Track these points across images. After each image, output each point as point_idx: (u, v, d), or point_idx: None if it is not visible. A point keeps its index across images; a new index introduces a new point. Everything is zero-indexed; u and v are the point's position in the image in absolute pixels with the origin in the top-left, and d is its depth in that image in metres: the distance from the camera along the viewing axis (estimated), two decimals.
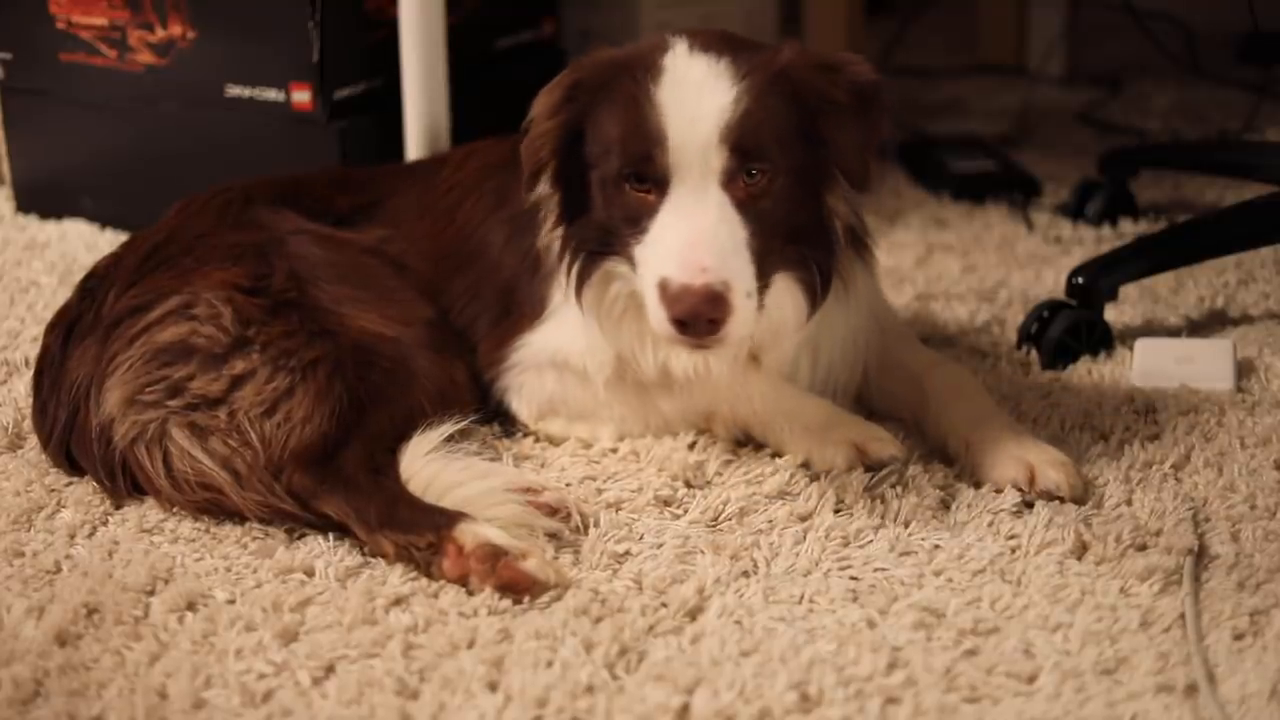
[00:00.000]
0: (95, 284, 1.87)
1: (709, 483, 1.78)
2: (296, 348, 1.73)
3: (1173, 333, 2.23)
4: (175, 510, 1.70)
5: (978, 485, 1.76)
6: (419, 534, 1.58)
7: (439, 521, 1.59)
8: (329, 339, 1.76)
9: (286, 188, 2.04)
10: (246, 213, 1.95)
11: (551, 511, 1.66)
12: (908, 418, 1.90)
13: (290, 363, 1.72)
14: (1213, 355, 2.05)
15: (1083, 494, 1.72)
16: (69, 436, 1.77)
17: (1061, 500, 1.70)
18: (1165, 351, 2.06)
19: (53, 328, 1.86)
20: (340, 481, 1.66)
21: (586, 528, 1.67)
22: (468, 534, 1.57)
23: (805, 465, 1.78)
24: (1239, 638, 1.46)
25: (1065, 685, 1.39)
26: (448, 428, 1.75)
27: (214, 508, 1.69)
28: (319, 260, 1.87)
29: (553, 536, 1.64)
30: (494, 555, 1.54)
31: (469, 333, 1.93)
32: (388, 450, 1.72)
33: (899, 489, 1.73)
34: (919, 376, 1.89)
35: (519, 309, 1.90)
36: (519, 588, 1.53)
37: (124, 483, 1.72)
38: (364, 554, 1.62)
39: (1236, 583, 1.55)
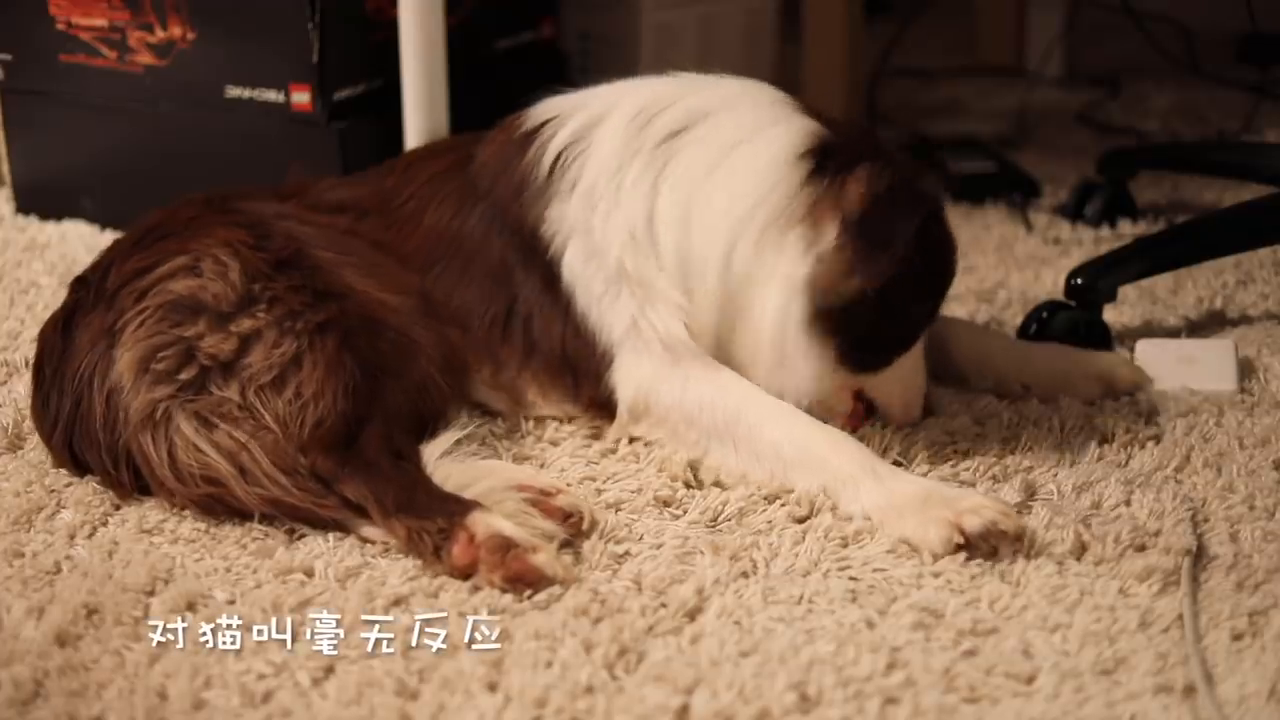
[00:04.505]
0: (88, 274, 1.87)
1: (708, 484, 1.78)
2: (303, 308, 1.73)
3: (1172, 333, 2.23)
4: (176, 506, 1.70)
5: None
6: (431, 519, 1.59)
7: (453, 509, 1.60)
8: (334, 302, 1.75)
9: (265, 192, 2.04)
10: (229, 203, 1.95)
11: (565, 516, 1.65)
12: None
13: (297, 325, 1.72)
14: (1215, 356, 2.05)
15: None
16: (72, 428, 1.76)
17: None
18: (1167, 352, 2.06)
19: (50, 325, 1.85)
20: (362, 465, 1.66)
21: (590, 529, 1.67)
22: (480, 523, 1.57)
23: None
24: (1237, 638, 1.47)
25: (1064, 686, 1.39)
26: (457, 433, 1.77)
27: (215, 503, 1.68)
28: (309, 233, 1.88)
29: (552, 536, 1.64)
30: (505, 547, 1.55)
31: (460, 320, 1.91)
32: (406, 431, 1.72)
33: None
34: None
35: (571, 359, 1.88)
36: (527, 581, 1.53)
37: (128, 475, 1.72)
38: (364, 554, 1.62)
39: (1235, 583, 1.55)
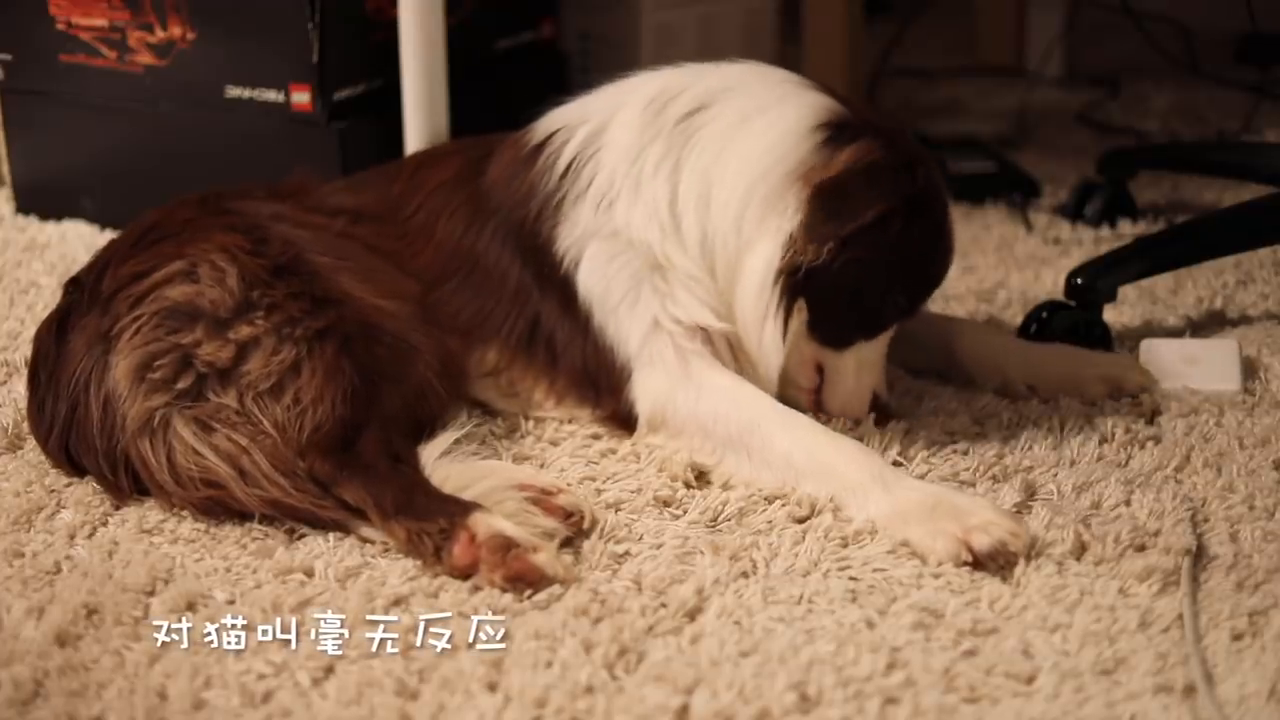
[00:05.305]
0: (83, 275, 1.87)
1: (708, 483, 1.78)
2: (301, 314, 1.73)
3: (1172, 333, 2.23)
4: (175, 509, 1.70)
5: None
6: (432, 520, 1.59)
7: (453, 510, 1.60)
8: (333, 309, 1.75)
9: (261, 191, 2.04)
10: (223, 203, 1.95)
11: (566, 515, 1.66)
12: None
13: (295, 331, 1.72)
14: (1219, 356, 2.05)
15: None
16: (69, 433, 1.76)
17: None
18: (1170, 352, 2.06)
19: (45, 327, 1.85)
20: (360, 468, 1.66)
21: (591, 529, 1.67)
22: (481, 524, 1.57)
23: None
24: (1237, 638, 1.47)
25: (1064, 686, 1.39)
26: (455, 433, 1.77)
27: (215, 505, 1.68)
28: (306, 238, 1.88)
29: (553, 535, 1.64)
30: (505, 546, 1.55)
31: (479, 334, 1.92)
32: (404, 435, 1.73)
33: None
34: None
35: (585, 365, 1.88)
36: (528, 580, 1.53)
37: (126, 479, 1.72)
38: (363, 554, 1.63)
39: (1235, 583, 1.55)
